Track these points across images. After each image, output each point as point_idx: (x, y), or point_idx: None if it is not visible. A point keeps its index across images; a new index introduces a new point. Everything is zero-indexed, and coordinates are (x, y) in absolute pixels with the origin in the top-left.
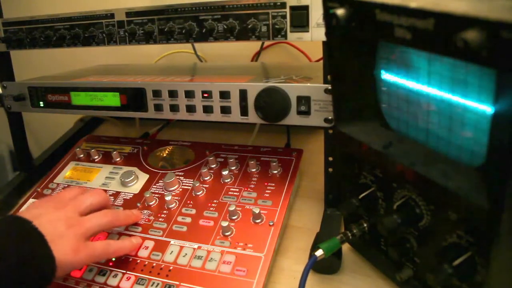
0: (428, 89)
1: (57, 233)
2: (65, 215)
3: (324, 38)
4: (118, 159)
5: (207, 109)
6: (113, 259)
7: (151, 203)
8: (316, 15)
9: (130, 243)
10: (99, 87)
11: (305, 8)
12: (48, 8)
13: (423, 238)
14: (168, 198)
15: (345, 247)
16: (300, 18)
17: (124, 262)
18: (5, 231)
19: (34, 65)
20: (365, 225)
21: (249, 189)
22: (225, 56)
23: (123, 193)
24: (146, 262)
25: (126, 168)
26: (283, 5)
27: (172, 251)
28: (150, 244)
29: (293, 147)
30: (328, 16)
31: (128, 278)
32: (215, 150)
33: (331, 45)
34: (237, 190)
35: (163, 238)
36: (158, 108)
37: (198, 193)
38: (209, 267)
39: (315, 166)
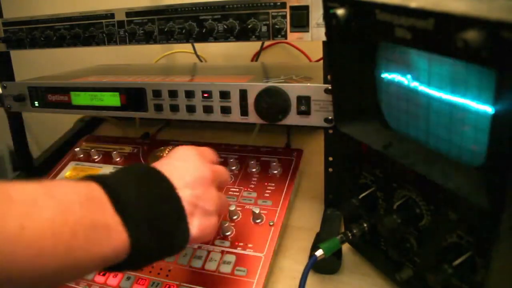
0: (428, 89)
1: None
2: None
3: (324, 38)
4: (118, 159)
5: (207, 109)
6: None
7: None
8: (316, 15)
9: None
10: (99, 87)
11: (305, 8)
12: (48, 8)
13: (423, 238)
14: None
15: (345, 247)
16: (300, 18)
17: None
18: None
19: (34, 65)
20: (365, 225)
21: (249, 189)
22: (225, 56)
23: None
24: None
25: None
26: (283, 5)
27: None
28: None
29: (293, 147)
30: (328, 16)
31: (128, 278)
32: (215, 150)
33: (331, 45)
34: (237, 190)
35: None
36: (158, 108)
37: None
38: (209, 267)
39: (315, 166)
